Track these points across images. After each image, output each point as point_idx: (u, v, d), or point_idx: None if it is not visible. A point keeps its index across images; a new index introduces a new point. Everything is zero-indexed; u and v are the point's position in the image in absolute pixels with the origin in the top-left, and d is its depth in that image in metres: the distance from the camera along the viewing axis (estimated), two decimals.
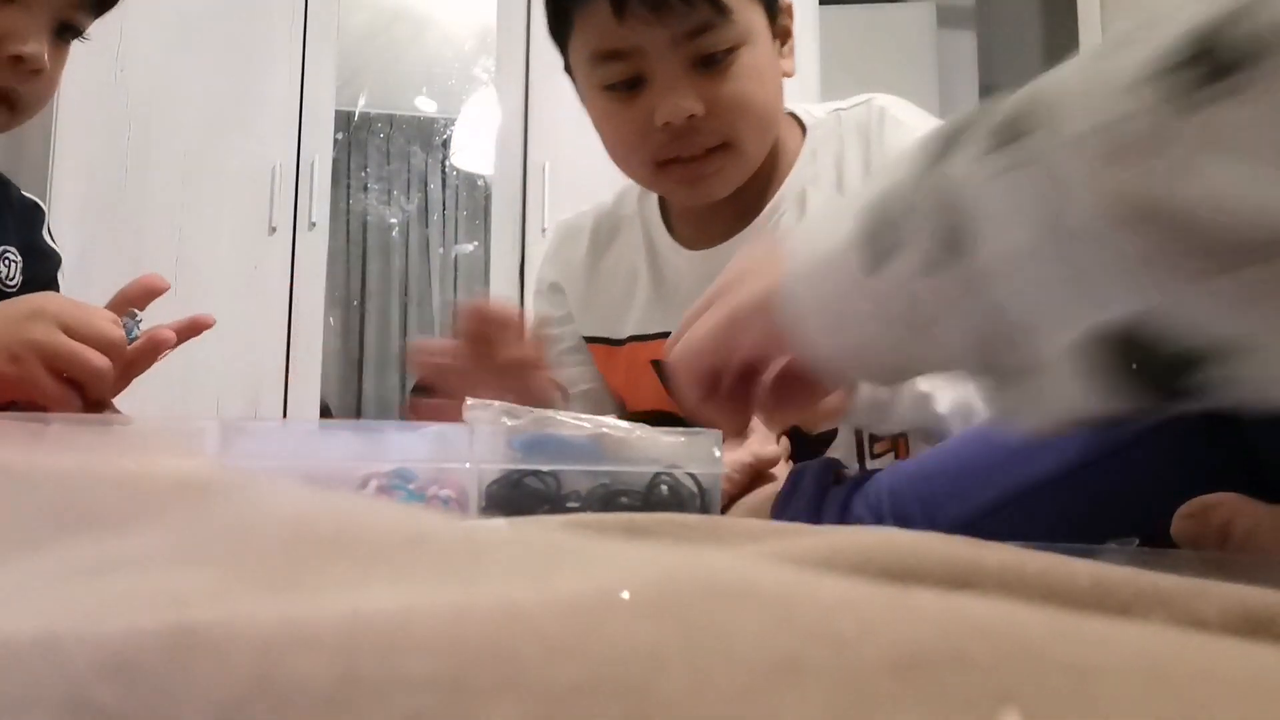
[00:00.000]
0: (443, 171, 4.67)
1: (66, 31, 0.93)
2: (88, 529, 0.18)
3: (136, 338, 0.85)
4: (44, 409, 0.79)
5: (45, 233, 1.12)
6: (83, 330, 0.78)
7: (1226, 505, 0.56)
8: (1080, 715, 0.11)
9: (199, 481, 0.20)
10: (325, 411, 3.20)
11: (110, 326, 0.80)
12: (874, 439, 0.99)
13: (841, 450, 0.98)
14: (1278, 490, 0.58)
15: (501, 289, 2.82)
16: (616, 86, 0.93)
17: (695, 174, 0.94)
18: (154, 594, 0.14)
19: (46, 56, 0.89)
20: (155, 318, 0.97)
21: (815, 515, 0.77)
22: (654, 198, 1.09)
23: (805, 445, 1.00)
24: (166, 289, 0.92)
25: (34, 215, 1.11)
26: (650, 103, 0.91)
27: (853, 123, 1.00)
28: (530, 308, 1.16)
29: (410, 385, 4.59)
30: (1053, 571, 0.18)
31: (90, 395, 0.81)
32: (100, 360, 0.78)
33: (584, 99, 1.01)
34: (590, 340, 1.10)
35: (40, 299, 0.81)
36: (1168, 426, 0.64)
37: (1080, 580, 0.18)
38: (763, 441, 0.89)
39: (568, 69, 1.03)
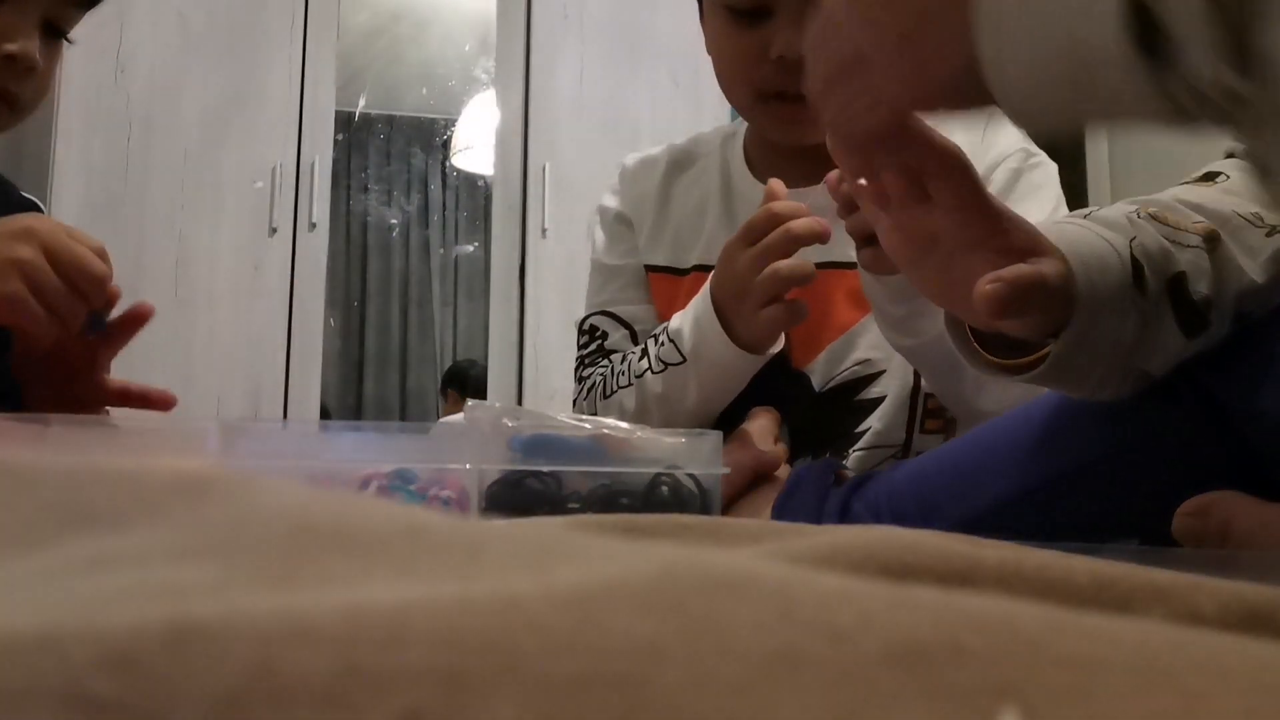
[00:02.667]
0: (443, 172, 4.67)
1: (55, 30, 0.94)
2: (87, 526, 0.18)
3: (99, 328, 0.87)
4: (24, 331, 0.78)
5: None
6: (65, 257, 0.78)
7: (1226, 503, 0.56)
8: (1079, 708, 0.11)
9: (198, 479, 0.20)
10: (324, 414, 3.20)
11: (92, 259, 0.80)
12: (926, 414, 0.98)
13: (890, 418, 0.97)
14: (1278, 490, 0.58)
15: (501, 289, 2.82)
16: (741, 11, 0.95)
17: (794, 114, 0.95)
18: (153, 588, 0.14)
19: (38, 55, 0.89)
20: (152, 326, 0.98)
21: (815, 516, 0.77)
22: (738, 142, 1.10)
23: (847, 417, 0.99)
24: (149, 315, 0.94)
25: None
26: (769, 34, 0.93)
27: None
28: (594, 234, 1.15)
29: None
30: (1051, 568, 0.18)
31: (68, 322, 0.79)
32: (81, 283, 0.78)
33: (703, 14, 1.03)
34: (654, 270, 1.09)
35: (31, 220, 0.80)
36: (1168, 428, 0.64)
37: (1078, 576, 0.18)
38: (763, 442, 0.89)
39: None
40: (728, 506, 0.78)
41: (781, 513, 0.79)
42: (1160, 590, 0.17)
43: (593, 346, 1.08)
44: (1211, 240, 0.62)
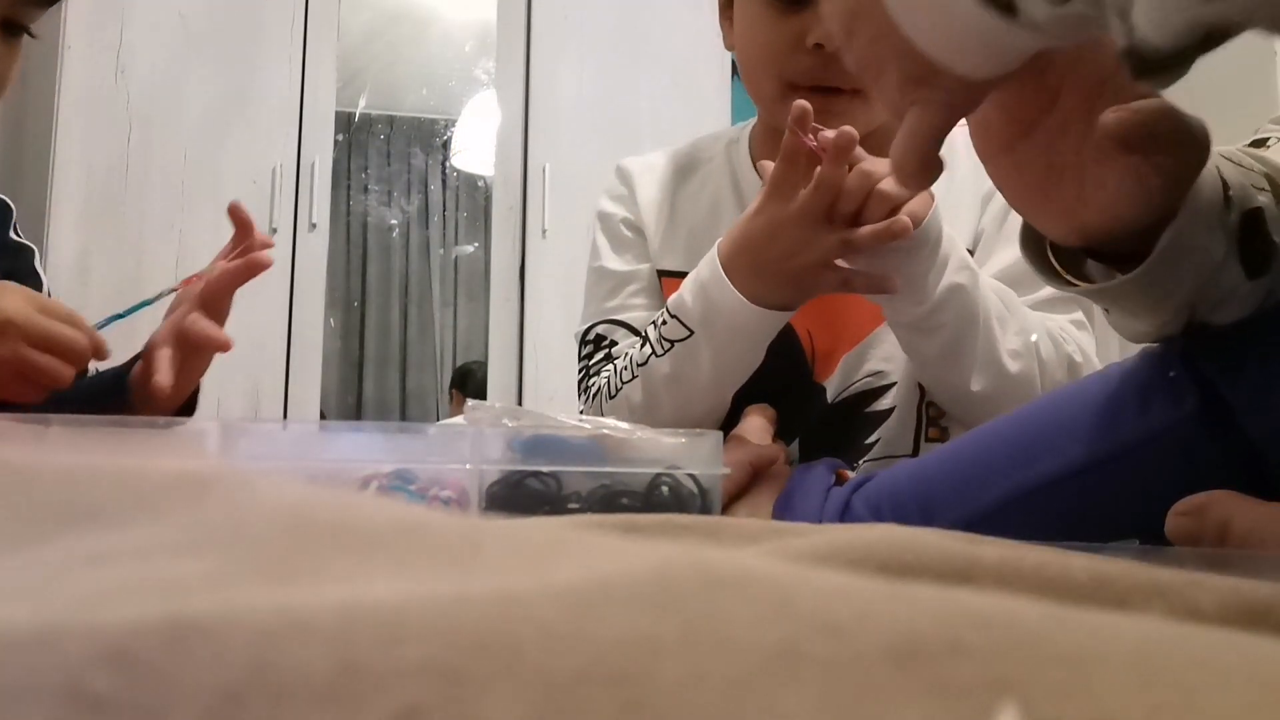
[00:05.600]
0: (443, 173, 4.67)
1: (13, 28, 0.93)
2: (87, 523, 0.18)
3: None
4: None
5: (13, 230, 1.14)
6: (42, 339, 0.81)
7: (1223, 503, 0.56)
8: (1077, 704, 0.11)
9: (198, 476, 0.20)
10: (323, 415, 3.21)
11: (73, 334, 0.83)
12: (929, 424, 0.98)
13: (899, 429, 0.97)
14: (1278, 489, 0.58)
15: (501, 290, 2.82)
16: None
17: (821, 107, 0.92)
18: (152, 584, 0.14)
19: None
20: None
21: (816, 515, 0.77)
22: (744, 146, 1.08)
23: (857, 428, 0.98)
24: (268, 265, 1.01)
25: (0, 214, 1.13)
26: (808, 21, 0.91)
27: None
28: (598, 240, 1.11)
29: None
30: (1050, 565, 0.18)
31: (55, 387, 0.84)
32: (62, 370, 0.82)
33: (725, 7, 1.00)
34: (667, 275, 1.05)
35: (6, 308, 0.82)
36: (1170, 428, 0.64)
37: (1077, 573, 0.18)
38: (760, 439, 0.89)
39: None
40: (727, 505, 0.78)
41: (782, 512, 0.79)
42: (1159, 587, 0.17)
43: (599, 356, 1.04)
44: (1278, 192, 0.60)
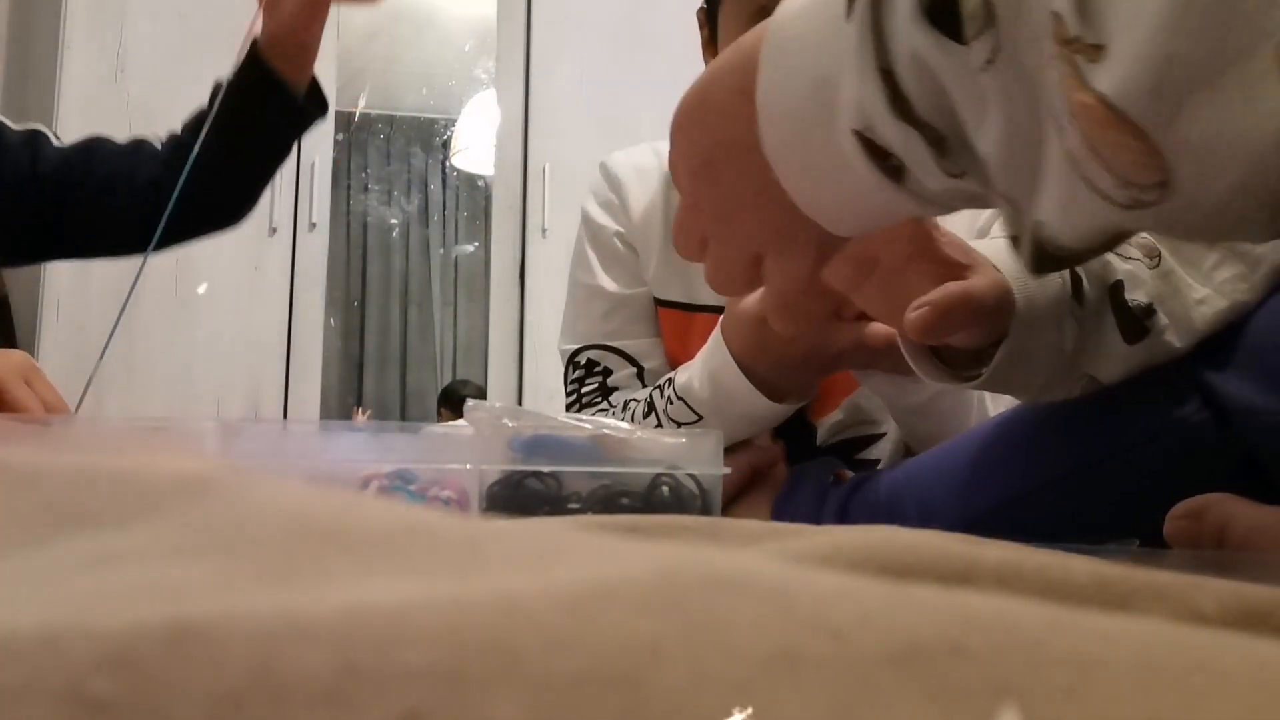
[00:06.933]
0: (443, 172, 4.68)
1: None
2: (86, 525, 0.18)
3: None
4: None
5: (4, 128, 1.14)
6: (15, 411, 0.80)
7: (1221, 506, 0.56)
8: (1078, 707, 0.11)
9: (198, 478, 0.20)
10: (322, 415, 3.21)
11: (37, 414, 0.81)
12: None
13: (887, 457, 0.97)
14: (1276, 491, 0.58)
15: (501, 290, 2.82)
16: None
17: None
18: (152, 587, 0.14)
19: None
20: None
21: (815, 516, 0.77)
22: None
23: (852, 450, 0.98)
24: None
25: None
26: None
27: None
28: (588, 252, 1.05)
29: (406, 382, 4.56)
30: (1051, 568, 0.18)
31: None
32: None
33: (723, 25, 0.94)
34: (665, 305, 1.01)
35: None
36: (1169, 428, 0.64)
37: (1078, 576, 0.18)
38: (760, 441, 0.89)
39: None
40: (727, 505, 0.78)
41: (781, 513, 0.79)
42: (1160, 590, 0.17)
43: (593, 384, 1.00)
44: (1153, 255, 0.64)
